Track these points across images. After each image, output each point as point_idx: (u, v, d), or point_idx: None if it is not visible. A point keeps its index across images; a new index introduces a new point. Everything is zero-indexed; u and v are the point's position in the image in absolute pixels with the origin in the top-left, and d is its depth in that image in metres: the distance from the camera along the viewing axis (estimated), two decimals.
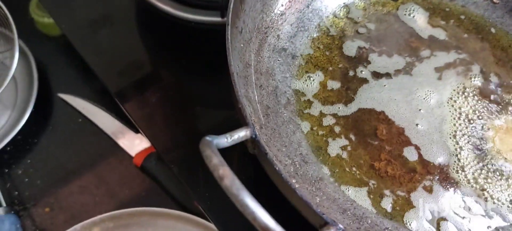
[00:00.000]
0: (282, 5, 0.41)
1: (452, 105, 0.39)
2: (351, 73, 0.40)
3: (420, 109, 0.38)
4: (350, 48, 0.41)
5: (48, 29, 0.54)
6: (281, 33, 0.41)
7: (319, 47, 0.41)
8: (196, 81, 0.47)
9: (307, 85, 0.39)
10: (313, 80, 0.40)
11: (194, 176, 0.40)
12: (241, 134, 0.28)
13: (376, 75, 0.40)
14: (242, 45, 0.37)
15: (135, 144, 0.47)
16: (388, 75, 0.40)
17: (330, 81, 0.40)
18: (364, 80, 0.40)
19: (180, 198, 0.43)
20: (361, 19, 0.43)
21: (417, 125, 0.38)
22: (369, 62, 0.40)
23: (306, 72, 0.40)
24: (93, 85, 0.51)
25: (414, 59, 0.41)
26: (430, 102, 0.39)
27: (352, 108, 0.38)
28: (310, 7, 0.42)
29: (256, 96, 0.37)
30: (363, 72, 0.40)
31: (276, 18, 0.41)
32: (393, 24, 0.43)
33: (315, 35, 0.42)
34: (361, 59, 0.41)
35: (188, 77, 0.48)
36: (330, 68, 0.40)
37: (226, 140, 0.27)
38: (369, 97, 0.39)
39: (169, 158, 0.41)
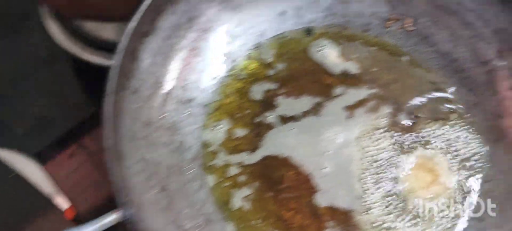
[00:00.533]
0: (188, 53, 0.41)
1: (361, 145, 0.38)
2: (258, 119, 0.40)
3: (327, 152, 0.38)
4: (258, 92, 0.41)
5: None
6: (189, 83, 0.40)
7: (229, 93, 0.41)
8: None
9: (214, 136, 0.39)
10: (220, 129, 0.39)
11: None
12: (112, 217, 0.28)
13: (284, 119, 0.39)
14: (138, 105, 0.36)
15: None
16: (296, 117, 0.40)
17: (236, 129, 0.39)
18: (271, 125, 0.39)
19: None
20: (272, 59, 0.42)
21: (324, 168, 0.38)
22: (276, 106, 0.40)
23: (215, 121, 0.40)
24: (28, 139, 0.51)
25: (324, 98, 0.40)
26: (337, 143, 0.38)
27: (258, 155, 0.38)
28: (220, 51, 0.42)
29: (157, 156, 0.36)
30: (270, 117, 0.40)
31: (182, 67, 0.40)
32: (305, 62, 0.42)
33: (225, 81, 0.42)
34: (268, 103, 0.40)
35: None
36: (238, 115, 0.40)
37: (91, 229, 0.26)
38: (276, 143, 0.39)
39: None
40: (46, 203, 0.47)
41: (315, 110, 0.40)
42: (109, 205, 0.41)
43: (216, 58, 0.41)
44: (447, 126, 0.39)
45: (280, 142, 0.39)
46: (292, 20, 0.43)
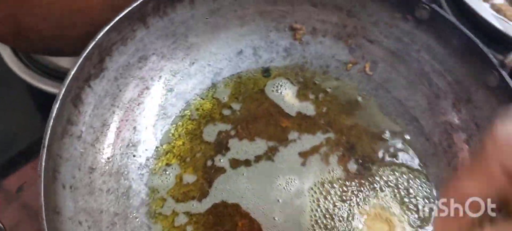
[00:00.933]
0: (138, 94, 0.39)
1: (313, 195, 0.37)
2: (209, 163, 0.38)
3: (278, 200, 0.37)
4: (211, 133, 0.40)
5: None
6: (138, 125, 0.39)
7: (181, 135, 0.40)
8: None
9: (163, 181, 0.38)
10: (169, 174, 0.38)
11: None
12: None
13: (235, 163, 0.38)
14: (82, 150, 0.35)
15: None
16: (247, 162, 0.38)
17: (186, 174, 0.38)
18: (222, 170, 0.38)
19: None
20: (227, 99, 0.41)
21: (274, 218, 0.36)
22: (228, 149, 0.39)
23: (166, 165, 0.38)
24: None
25: (278, 142, 0.39)
26: (290, 192, 0.37)
27: (207, 204, 0.37)
28: (173, 91, 0.41)
29: (100, 204, 0.35)
30: (221, 161, 0.38)
31: (131, 108, 0.39)
32: (261, 103, 0.41)
33: (178, 122, 0.40)
34: (220, 145, 0.39)
35: None
36: (188, 159, 0.39)
37: None
38: (226, 189, 0.38)
39: None
40: None
41: (269, 155, 0.39)
42: None
43: (168, 98, 0.40)
44: (403, 176, 0.38)
45: (229, 189, 0.38)
46: (249, 60, 0.42)
